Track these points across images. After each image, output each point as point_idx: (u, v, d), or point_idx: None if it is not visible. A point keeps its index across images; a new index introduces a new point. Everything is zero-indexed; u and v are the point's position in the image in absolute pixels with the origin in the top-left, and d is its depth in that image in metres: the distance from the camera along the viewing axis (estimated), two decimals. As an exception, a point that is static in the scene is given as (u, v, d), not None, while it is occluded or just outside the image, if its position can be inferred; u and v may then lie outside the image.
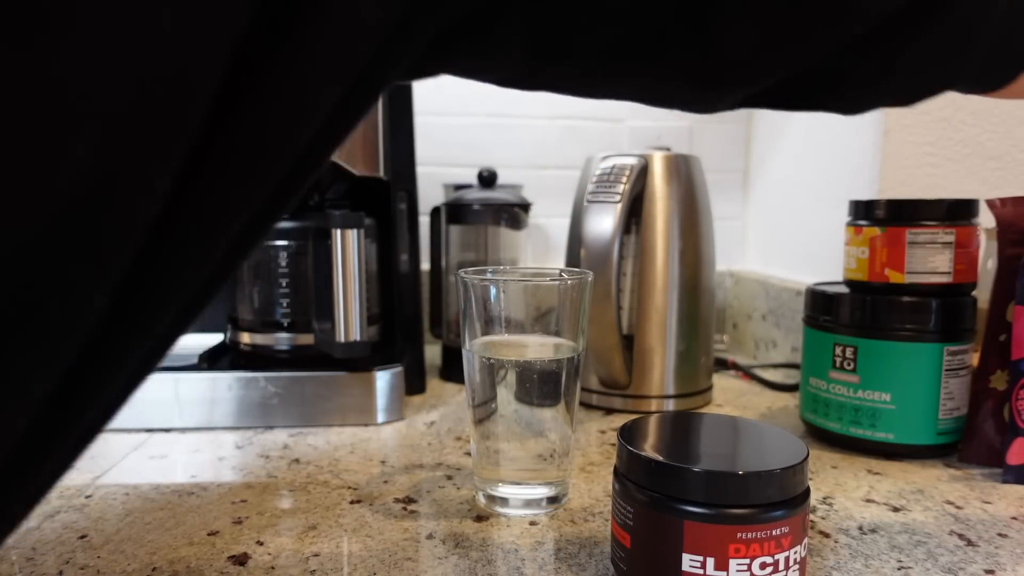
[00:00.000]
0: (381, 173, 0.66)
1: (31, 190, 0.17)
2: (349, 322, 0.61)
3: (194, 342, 0.72)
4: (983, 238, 0.63)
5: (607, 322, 0.64)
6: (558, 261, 1.02)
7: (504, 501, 0.46)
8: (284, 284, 0.66)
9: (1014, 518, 0.46)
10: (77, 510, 0.46)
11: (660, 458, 0.34)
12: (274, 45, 0.20)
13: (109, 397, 0.23)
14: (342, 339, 0.61)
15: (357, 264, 0.60)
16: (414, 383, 0.74)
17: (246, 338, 0.68)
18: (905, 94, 0.36)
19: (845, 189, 0.79)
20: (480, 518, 0.45)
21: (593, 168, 0.69)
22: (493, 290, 0.45)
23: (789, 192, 0.93)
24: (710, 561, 0.32)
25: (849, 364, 0.57)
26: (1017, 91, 0.37)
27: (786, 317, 0.87)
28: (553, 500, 0.47)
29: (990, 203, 0.56)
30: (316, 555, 0.40)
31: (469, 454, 0.57)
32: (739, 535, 0.32)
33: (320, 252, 0.63)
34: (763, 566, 0.32)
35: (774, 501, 0.32)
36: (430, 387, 0.77)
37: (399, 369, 0.66)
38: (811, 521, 0.45)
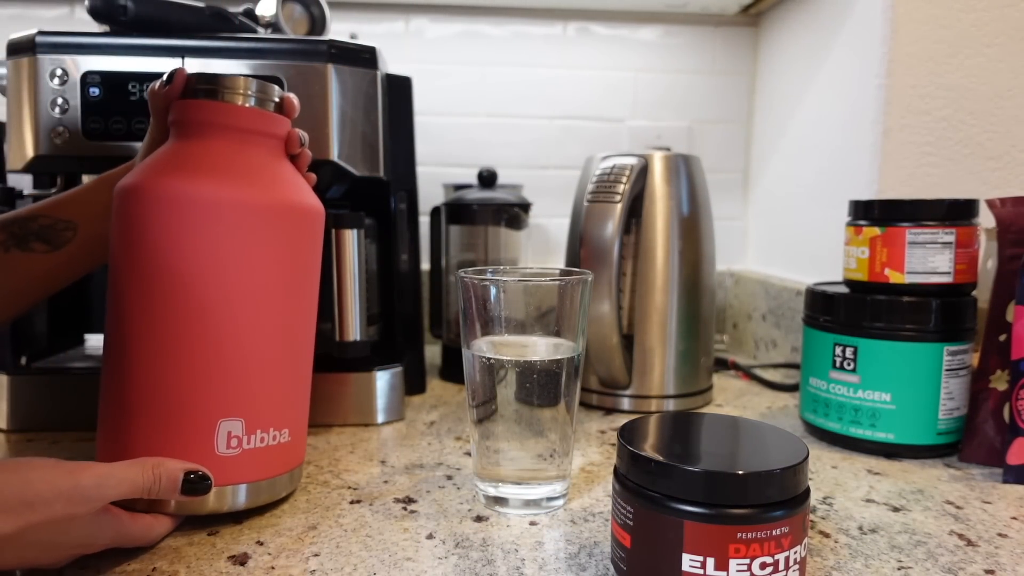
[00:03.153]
0: (381, 173, 0.66)
1: None
2: (349, 322, 0.61)
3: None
4: (983, 238, 0.63)
5: (607, 322, 0.64)
6: (558, 261, 1.02)
7: (504, 501, 0.46)
8: (284, 284, 0.66)
9: (1014, 518, 0.46)
10: (77, 510, 0.46)
11: (660, 458, 0.34)
12: None
13: None
14: (342, 339, 0.61)
15: (357, 264, 0.60)
16: (414, 383, 0.74)
17: (246, 338, 0.68)
18: None
19: (845, 189, 0.78)
20: (480, 518, 0.45)
21: (593, 168, 0.69)
22: (493, 290, 0.45)
23: (789, 192, 0.93)
24: (710, 561, 0.32)
25: (849, 364, 0.57)
26: None
27: (786, 317, 0.87)
28: (553, 500, 0.47)
29: (990, 203, 0.56)
30: (316, 555, 0.40)
31: (469, 454, 0.57)
32: (739, 535, 0.32)
33: (320, 252, 0.63)
34: (763, 566, 0.32)
35: (774, 501, 0.32)
36: (430, 387, 0.77)
37: (399, 369, 0.66)
38: (811, 521, 0.45)
